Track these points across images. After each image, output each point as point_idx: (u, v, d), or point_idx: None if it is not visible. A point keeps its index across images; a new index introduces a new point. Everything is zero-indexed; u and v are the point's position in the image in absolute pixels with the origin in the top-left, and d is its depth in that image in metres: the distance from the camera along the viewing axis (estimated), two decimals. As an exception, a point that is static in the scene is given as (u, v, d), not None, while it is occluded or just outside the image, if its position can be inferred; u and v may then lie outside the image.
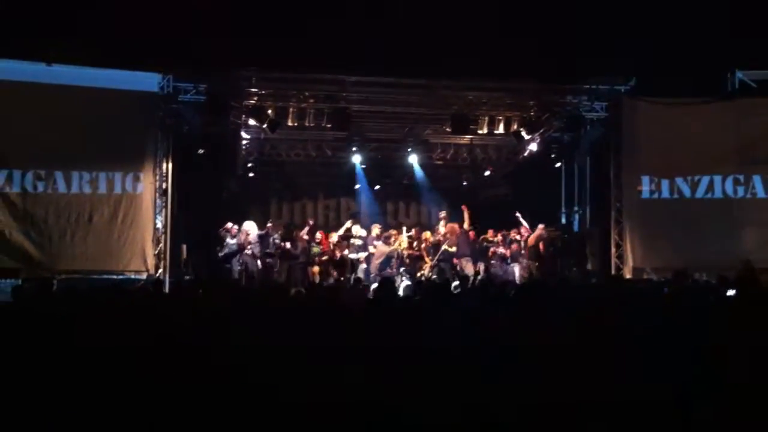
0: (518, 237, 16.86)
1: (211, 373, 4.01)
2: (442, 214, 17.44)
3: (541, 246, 16.29)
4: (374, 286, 10.95)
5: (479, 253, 16.80)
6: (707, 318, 5.26)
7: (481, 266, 16.53)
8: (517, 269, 16.55)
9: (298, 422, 3.66)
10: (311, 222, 17.36)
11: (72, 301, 6.64)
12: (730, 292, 7.55)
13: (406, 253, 16.65)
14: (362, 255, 16.72)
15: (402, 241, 16.77)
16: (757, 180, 15.30)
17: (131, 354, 4.22)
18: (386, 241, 16.50)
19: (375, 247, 16.60)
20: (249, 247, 15.54)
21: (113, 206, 14.26)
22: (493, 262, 16.83)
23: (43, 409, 3.68)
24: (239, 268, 15.38)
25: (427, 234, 16.99)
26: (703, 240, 15.05)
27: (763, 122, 15.23)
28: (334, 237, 16.93)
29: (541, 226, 16.62)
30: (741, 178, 15.35)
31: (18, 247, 13.65)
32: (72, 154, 14.06)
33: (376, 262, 16.29)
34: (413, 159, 18.92)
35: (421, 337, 4.68)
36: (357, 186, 19.89)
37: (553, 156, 18.20)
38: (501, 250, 16.86)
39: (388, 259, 16.28)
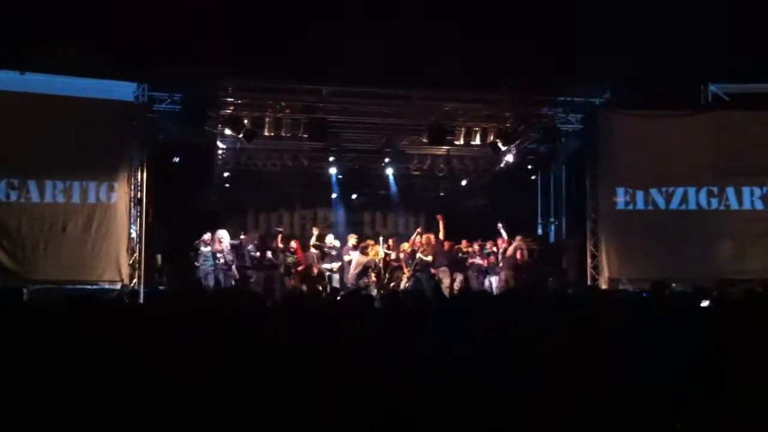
0: (494, 249, 16.87)
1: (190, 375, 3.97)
2: (419, 228, 17.52)
3: (519, 256, 16.34)
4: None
5: (457, 263, 16.80)
6: (692, 322, 5.30)
7: (459, 277, 16.55)
8: (494, 280, 16.58)
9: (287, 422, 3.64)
10: (280, 229, 17.31)
11: (42, 310, 6.55)
12: (704, 303, 7.62)
13: (382, 264, 16.64)
14: (335, 265, 16.71)
15: (378, 251, 16.75)
16: (731, 192, 15.48)
17: (106, 362, 4.17)
18: (363, 251, 16.46)
19: (351, 257, 16.56)
20: (220, 255, 15.42)
21: (87, 216, 14.16)
22: (470, 273, 16.84)
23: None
24: (212, 282, 15.26)
25: (404, 245, 16.95)
26: (678, 251, 15.18)
27: (736, 135, 15.37)
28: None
29: (518, 237, 16.69)
30: (715, 190, 15.53)
31: (-10, 256, 13.50)
32: (46, 164, 13.94)
33: (353, 272, 16.23)
34: (389, 171, 18.96)
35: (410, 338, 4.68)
36: (333, 195, 19.89)
37: (529, 167, 18.32)
38: (478, 260, 16.87)
39: (365, 269, 16.24)
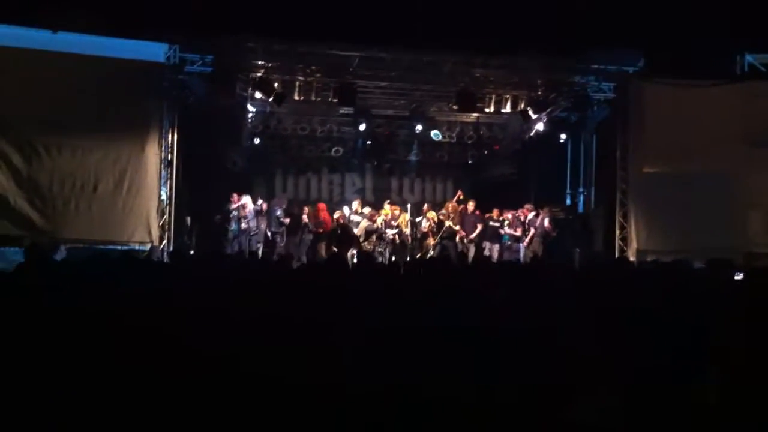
0: (522, 218, 16.77)
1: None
2: (459, 193, 17.45)
3: (547, 226, 16.25)
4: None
5: (490, 233, 16.74)
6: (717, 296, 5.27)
7: (489, 246, 16.50)
8: (522, 249, 16.49)
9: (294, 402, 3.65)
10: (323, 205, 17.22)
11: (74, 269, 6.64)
12: (738, 276, 7.55)
13: (406, 231, 16.60)
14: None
15: (404, 218, 16.73)
16: (763, 162, 15.23)
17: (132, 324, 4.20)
18: (371, 217, 16.42)
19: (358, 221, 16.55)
20: (244, 221, 15.52)
21: (118, 176, 14.22)
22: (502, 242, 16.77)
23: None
24: (237, 247, 15.36)
25: (431, 213, 16.88)
26: (709, 223, 15.02)
27: (772, 105, 15.19)
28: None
29: (546, 207, 16.62)
30: (747, 160, 15.28)
31: (22, 214, 13.60)
32: (78, 123, 13.96)
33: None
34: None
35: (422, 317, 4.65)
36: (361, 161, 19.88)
37: (559, 136, 18.13)
38: (509, 230, 16.72)
39: (367, 234, 16.19)
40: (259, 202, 16.49)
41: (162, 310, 4.39)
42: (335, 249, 15.78)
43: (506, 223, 16.71)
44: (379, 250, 16.04)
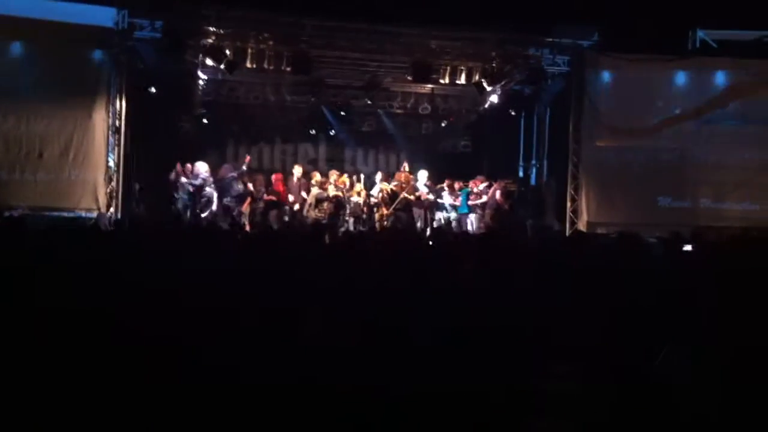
0: (474, 189, 16.83)
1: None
2: (405, 165, 17.42)
3: (499, 198, 16.32)
4: None
5: (434, 204, 16.86)
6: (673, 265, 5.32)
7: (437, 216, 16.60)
8: (473, 221, 16.57)
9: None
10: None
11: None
12: (687, 248, 7.64)
13: (359, 200, 16.52)
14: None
15: (358, 188, 16.67)
16: (713, 139, 15.45)
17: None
18: (321, 185, 16.32)
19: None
20: (199, 188, 15.30)
21: (64, 143, 14.00)
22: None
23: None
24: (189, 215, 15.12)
25: (384, 185, 16.81)
26: (657, 197, 15.29)
27: (722, 82, 15.38)
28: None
29: (498, 180, 16.72)
30: (698, 136, 15.49)
31: (-35, 180, 13.32)
32: (23, 89, 13.71)
33: (307, 205, 16.13)
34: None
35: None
36: (312, 131, 19.67)
37: (513, 109, 18.17)
38: (455, 201, 16.85)
39: (317, 202, 16.05)
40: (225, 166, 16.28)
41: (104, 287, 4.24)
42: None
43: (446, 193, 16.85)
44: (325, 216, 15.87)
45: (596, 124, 15.63)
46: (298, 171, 16.95)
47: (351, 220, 16.30)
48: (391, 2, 14.80)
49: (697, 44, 15.83)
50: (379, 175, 17.47)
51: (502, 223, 15.84)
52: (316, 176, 16.62)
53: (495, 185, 16.50)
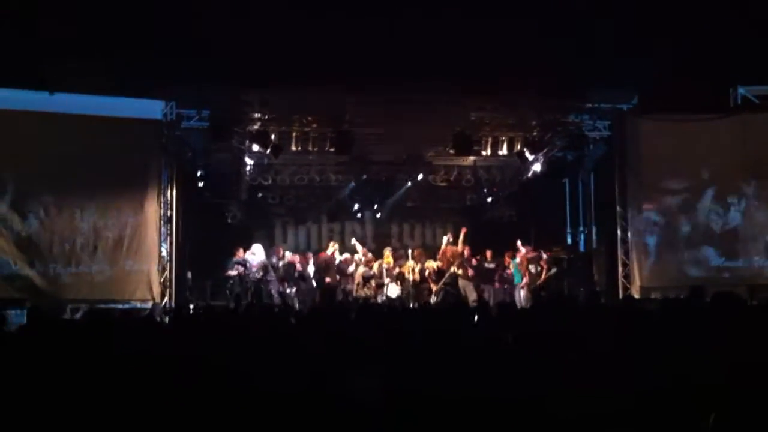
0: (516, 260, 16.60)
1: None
2: (445, 238, 17.25)
3: (530, 267, 16.11)
4: None
5: (484, 276, 16.61)
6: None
7: (490, 290, 16.40)
8: (522, 293, 16.30)
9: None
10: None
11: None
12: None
13: (409, 277, 16.43)
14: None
15: (409, 266, 16.57)
16: (762, 195, 15.22)
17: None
18: (368, 263, 16.38)
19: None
20: (254, 271, 15.43)
21: (118, 235, 14.19)
22: (497, 285, 16.68)
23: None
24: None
25: (429, 263, 16.71)
26: (710, 257, 15.03)
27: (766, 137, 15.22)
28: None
29: (527, 249, 16.51)
30: (747, 193, 15.28)
31: (23, 276, 13.54)
32: (76, 183, 14.01)
33: (355, 285, 16.22)
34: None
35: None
36: (356, 208, 19.84)
37: (557, 175, 18.13)
38: (507, 273, 16.65)
39: (364, 281, 16.10)
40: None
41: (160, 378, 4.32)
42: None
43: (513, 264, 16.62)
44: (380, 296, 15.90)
45: (641, 187, 15.50)
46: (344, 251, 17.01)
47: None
48: (429, 73, 14.89)
49: (739, 101, 15.74)
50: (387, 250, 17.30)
51: (545, 295, 15.55)
52: (367, 254, 16.71)
53: (525, 254, 16.30)
